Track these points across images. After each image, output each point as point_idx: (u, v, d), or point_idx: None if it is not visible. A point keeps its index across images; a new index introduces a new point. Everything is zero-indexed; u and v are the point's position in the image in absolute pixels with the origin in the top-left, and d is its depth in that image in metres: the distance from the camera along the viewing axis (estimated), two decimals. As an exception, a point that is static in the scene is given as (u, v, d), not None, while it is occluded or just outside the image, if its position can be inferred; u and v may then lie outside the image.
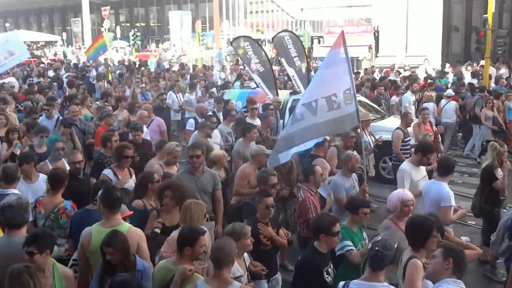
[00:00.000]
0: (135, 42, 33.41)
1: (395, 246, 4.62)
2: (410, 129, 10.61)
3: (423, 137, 10.06)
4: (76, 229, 5.62)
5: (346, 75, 7.09)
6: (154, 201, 6.50)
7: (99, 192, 5.54)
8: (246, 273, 5.11)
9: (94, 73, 25.29)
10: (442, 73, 21.49)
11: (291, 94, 13.85)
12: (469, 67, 24.45)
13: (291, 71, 15.54)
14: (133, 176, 7.50)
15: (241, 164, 8.40)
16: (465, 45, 33.68)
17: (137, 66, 28.34)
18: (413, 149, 8.59)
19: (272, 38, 17.56)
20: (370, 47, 31.13)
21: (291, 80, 15.70)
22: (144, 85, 17.98)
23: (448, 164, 6.89)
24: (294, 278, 5.16)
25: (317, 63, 28.08)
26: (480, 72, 20.56)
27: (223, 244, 4.44)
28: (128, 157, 7.52)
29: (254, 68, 14.55)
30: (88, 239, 5.19)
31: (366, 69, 24.46)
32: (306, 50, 18.28)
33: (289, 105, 12.69)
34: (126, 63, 28.92)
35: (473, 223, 8.89)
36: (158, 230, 5.76)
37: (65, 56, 43.53)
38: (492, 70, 20.80)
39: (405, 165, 7.51)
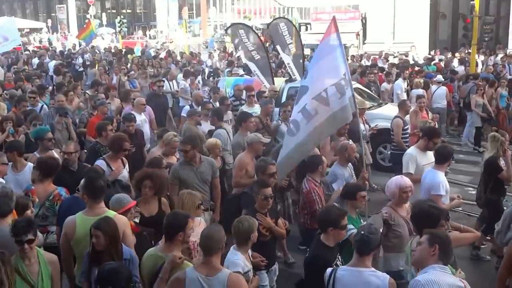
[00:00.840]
0: (121, 29, 33.15)
1: (380, 230, 4.66)
2: (407, 117, 10.56)
3: (423, 125, 9.88)
4: (65, 216, 5.54)
5: (340, 62, 6.98)
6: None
7: (82, 181, 5.51)
8: (251, 266, 5.08)
9: (80, 60, 25.06)
10: (429, 60, 21.56)
11: (286, 81, 13.76)
12: (462, 54, 24.50)
13: (286, 58, 15.45)
14: (126, 166, 7.43)
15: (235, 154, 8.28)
16: (452, 32, 33.77)
17: (123, 53, 28.09)
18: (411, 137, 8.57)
19: (268, 25, 17.43)
20: (357, 34, 31.15)
21: (280, 68, 15.54)
22: (132, 72, 17.84)
23: (445, 152, 6.79)
24: (305, 276, 5.05)
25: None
26: (467, 59, 20.68)
27: (212, 231, 4.42)
28: (126, 149, 7.43)
29: (249, 55, 14.39)
30: (73, 228, 5.15)
31: (353, 56, 24.45)
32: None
33: (285, 93, 12.59)
34: (112, 51, 28.64)
35: (460, 209, 8.98)
36: (136, 220, 5.67)
37: (50, 43, 43.07)
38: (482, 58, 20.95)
39: (412, 150, 7.53)
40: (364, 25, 31.79)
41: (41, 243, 5.36)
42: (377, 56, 23.29)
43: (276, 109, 11.13)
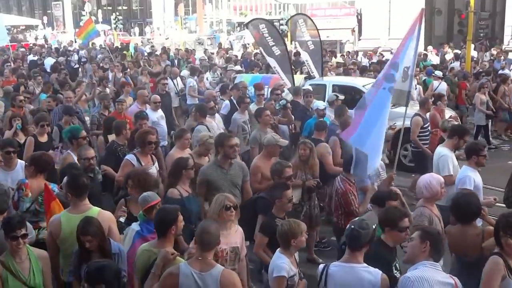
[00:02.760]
0: (116, 25, 33.10)
1: (373, 226, 4.66)
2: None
3: (442, 123, 9.69)
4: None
5: (412, 53, 6.74)
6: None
7: (64, 179, 5.50)
8: (298, 270, 5.02)
9: (76, 57, 25.01)
10: (425, 55, 21.60)
11: (306, 79, 13.68)
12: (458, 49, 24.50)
13: (304, 55, 15.10)
14: (156, 163, 7.34)
15: (256, 151, 8.16)
16: (448, 28, 33.80)
17: (119, 50, 28.05)
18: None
19: (287, 21, 17.00)
20: (353, 30, 31.19)
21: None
22: (128, 70, 17.77)
23: (470, 147, 6.72)
24: None
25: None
26: (463, 55, 20.71)
27: (209, 227, 4.40)
28: (152, 142, 7.26)
29: (270, 51, 14.04)
30: (58, 226, 5.15)
31: (348, 52, 24.47)
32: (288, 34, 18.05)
33: None
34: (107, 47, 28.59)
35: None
36: (122, 219, 5.63)
37: (46, 40, 42.98)
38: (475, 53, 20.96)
39: (445, 150, 7.27)
40: (359, 21, 31.81)
41: (32, 241, 5.37)
42: (372, 52, 23.29)
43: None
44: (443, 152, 7.22)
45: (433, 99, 11.07)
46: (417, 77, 15.16)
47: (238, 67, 18.58)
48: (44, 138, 8.54)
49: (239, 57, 23.48)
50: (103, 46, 27.92)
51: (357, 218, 4.81)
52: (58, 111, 10.43)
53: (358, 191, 6.82)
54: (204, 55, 25.21)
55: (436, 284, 4.01)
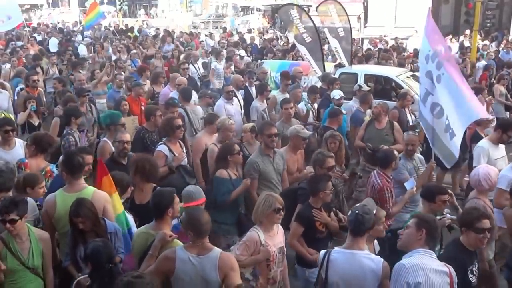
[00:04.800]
0: (121, 7, 32.94)
1: (374, 212, 4.67)
2: None
3: None
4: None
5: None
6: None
7: (60, 158, 5.53)
8: None
9: (80, 37, 24.93)
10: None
11: (336, 67, 13.43)
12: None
13: (334, 43, 14.92)
14: (185, 150, 7.22)
15: (279, 143, 7.93)
16: (455, 18, 33.50)
17: (123, 31, 27.93)
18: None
19: (316, 8, 16.49)
20: (358, 17, 30.93)
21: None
22: (134, 51, 17.67)
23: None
24: None
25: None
26: (469, 45, 20.57)
27: (201, 217, 4.35)
28: (180, 126, 7.11)
29: (300, 38, 13.86)
30: (53, 205, 5.21)
31: (354, 39, 24.29)
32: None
33: None
34: (112, 28, 28.46)
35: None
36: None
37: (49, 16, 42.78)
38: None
39: (483, 143, 7.28)
40: (365, 8, 31.53)
41: (36, 218, 5.42)
42: (377, 40, 23.14)
43: (304, 94, 10.67)
44: (480, 144, 7.29)
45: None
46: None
47: (242, 52, 18.49)
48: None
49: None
50: (107, 27, 27.80)
51: (358, 204, 4.79)
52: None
53: (395, 184, 6.72)
54: (210, 38, 25.08)
55: (430, 271, 4.02)
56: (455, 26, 32.92)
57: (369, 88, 10.97)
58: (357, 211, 4.45)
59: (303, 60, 14.29)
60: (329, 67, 13.62)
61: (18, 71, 12.53)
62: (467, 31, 24.16)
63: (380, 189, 6.37)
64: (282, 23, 36.30)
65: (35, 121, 8.94)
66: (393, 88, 12.51)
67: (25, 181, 5.57)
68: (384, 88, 12.71)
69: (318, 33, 14.09)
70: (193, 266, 4.22)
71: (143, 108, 9.35)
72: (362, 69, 13.46)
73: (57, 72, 13.96)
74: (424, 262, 4.05)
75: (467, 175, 8.50)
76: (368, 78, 12.69)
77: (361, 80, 12.35)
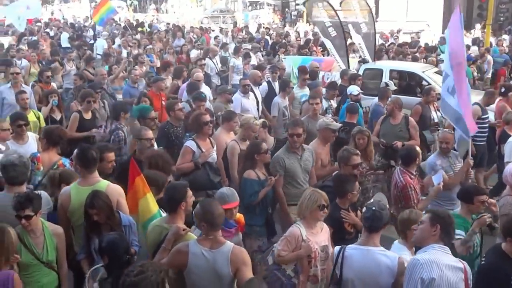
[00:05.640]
0: (132, 2, 32.96)
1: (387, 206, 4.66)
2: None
3: (506, 115, 9.13)
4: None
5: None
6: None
7: (74, 152, 5.55)
8: None
9: (91, 32, 24.98)
10: (443, 39, 21.28)
11: (360, 62, 13.33)
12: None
13: (357, 38, 14.81)
14: (215, 147, 7.13)
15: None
16: (467, 11, 33.23)
17: (134, 26, 27.98)
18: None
19: (340, 3, 16.27)
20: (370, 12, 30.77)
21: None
22: (150, 46, 17.68)
23: None
24: (476, 284, 4.56)
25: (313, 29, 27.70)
26: (481, 39, 20.39)
27: (214, 208, 4.36)
28: (207, 122, 6.99)
29: (326, 32, 13.76)
30: (67, 198, 5.24)
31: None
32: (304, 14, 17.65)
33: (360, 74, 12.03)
34: (124, 23, 28.51)
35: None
36: None
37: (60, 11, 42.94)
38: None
39: None
40: (376, 2, 31.37)
41: (50, 210, 5.45)
42: (388, 34, 23.01)
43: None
44: (511, 140, 7.24)
45: (503, 89, 10.34)
46: (432, 58, 14.96)
47: (251, 45, 18.41)
48: (88, 115, 8.49)
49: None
50: (118, 22, 27.87)
51: (371, 200, 4.75)
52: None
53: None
54: (221, 33, 25.05)
55: (445, 267, 3.99)
56: (467, 20, 32.59)
57: (395, 88, 10.78)
58: (373, 208, 4.41)
59: (317, 55, 14.17)
60: (353, 62, 13.49)
61: (53, 68, 12.53)
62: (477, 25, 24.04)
63: (403, 187, 6.27)
64: (292, 18, 36.21)
65: (57, 116, 8.99)
66: (418, 84, 12.39)
67: (61, 177, 5.64)
68: (409, 84, 12.59)
69: (343, 28, 13.92)
70: (205, 259, 4.23)
71: (163, 103, 9.36)
72: (387, 65, 13.31)
73: (74, 67, 13.97)
74: (438, 257, 4.01)
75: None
76: (394, 73, 12.56)
77: (386, 76, 12.25)
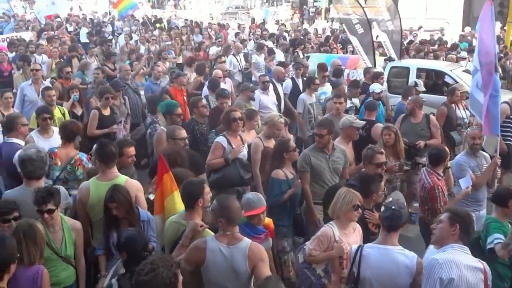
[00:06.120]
0: (151, -2, 32.97)
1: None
2: None
3: None
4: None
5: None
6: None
7: (94, 147, 5.59)
8: None
9: (110, 28, 25.11)
10: (461, 37, 21.12)
11: (386, 60, 13.21)
12: None
13: (382, 36, 14.70)
14: (245, 144, 7.14)
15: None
16: (487, 9, 32.83)
17: (152, 22, 28.05)
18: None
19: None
20: (388, 9, 30.53)
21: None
22: (169, 42, 17.65)
23: None
24: None
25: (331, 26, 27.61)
26: (502, 37, 20.13)
27: (231, 203, 4.38)
28: (236, 119, 6.98)
29: (353, 29, 13.65)
30: (86, 193, 5.28)
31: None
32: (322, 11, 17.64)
33: (386, 72, 12.01)
34: (144, 18, 28.58)
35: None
36: (151, 196, 5.63)
37: (80, 9, 43.15)
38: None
39: None
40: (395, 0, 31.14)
41: (69, 205, 5.51)
42: (407, 32, 22.81)
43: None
44: None
45: None
46: (451, 56, 14.81)
47: (270, 43, 18.37)
48: (107, 111, 8.55)
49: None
50: (136, 18, 27.94)
51: (390, 199, 4.69)
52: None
53: (456, 183, 6.51)
54: (239, 30, 25.00)
55: (464, 267, 3.96)
56: (487, 17, 32.27)
57: (424, 89, 10.58)
58: (393, 207, 4.37)
59: (337, 52, 14.04)
60: (379, 60, 13.38)
61: (82, 64, 12.65)
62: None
63: (431, 188, 6.16)
64: (310, 14, 36.03)
65: (78, 111, 9.06)
66: (445, 83, 12.23)
67: (91, 173, 5.69)
68: (435, 82, 12.45)
69: (370, 25, 13.76)
70: (223, 256, 4.24)
71: (185, 98, 9.34)
72: (414, 63, 13.14)
73: (95, 62, 14.05)
74: (457, 257, 3.98)
75: None
76: (420, 72, 12.39)
77: (413, 75, 12.12)
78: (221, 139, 6.97)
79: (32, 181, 5.26)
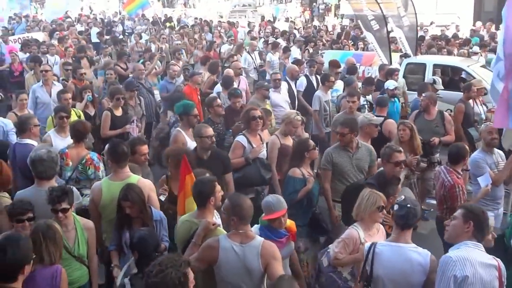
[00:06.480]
0: (160, -4, 33.05)
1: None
2: None
3: None
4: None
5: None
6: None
7: (106, 147, 5.62)
8: None
9: (120, 28, 25.20)
10: (472, 31, 20.98)
11: (401, 57, 13.14)
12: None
13: (398, 32, 14.56)
14: (265, 144, 7.11)
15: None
16: (499, 3, 32.50)
17: (162, 21, 28.11)
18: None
19: None
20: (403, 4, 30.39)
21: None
22: (179, 42, 17.68)
23: None
24: None
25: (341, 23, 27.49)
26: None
27: (243, 201, 4.38)
28: (255, 117, 6.96)
29: (368, 25, 13.61)
30: (99, 193, 5.32)
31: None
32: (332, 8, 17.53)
33: (402, 69, 11.92)
34: (155, 17, 28.66)
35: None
36: (162, 198, 5.66)
37: (91, 10, 43.35)
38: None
39: None
40: (405, -6, 30.94)
41: (80, 206, 5.55)
42: (418, 28, 22.67)
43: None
44: None
45: None
46: (463, 51, 14.68)
47: (280, 40, 18.35)
48: (119, 112, 8.55)
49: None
50: (146, 17, 28.05)
51: (402, 197, 4.62)
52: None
53: (473, 181, 6.46)
54: (249, 28, 25.00)
55: (478, 265, 3.92)
56: (498, 12, 31.97)
57: (442, 88, 10.51)
58: (408, 205, 4.33)
59: (349, 49, 13.92)
60: (395, 57, 13.29)
61: (106, 63, 12.69)
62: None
63: (451, 187, 6.07)
64: (320, 11, 35.87)
65: (91, 111, 9.10)
66: (462, 79, 12.11)
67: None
68: (452, 78, 12.32)
69: (386, 21, 13.63)
70: (235, 254, 4.24)
71: (199, 98, 9.37)
72: (430, 59, 12.98)
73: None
74: (471, 255, 3.94)
75: None
76: (437, 68, 12.29)
77: (429, 71, 12.02)
78: (241, 138, 6.97)
79: (43, 181, 5.30)
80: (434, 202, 8.66)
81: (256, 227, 4.90)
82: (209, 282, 4.39)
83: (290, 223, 5.08)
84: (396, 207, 4.42)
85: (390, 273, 4.30)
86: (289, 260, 5.11)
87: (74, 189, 5.43)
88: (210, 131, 6.46)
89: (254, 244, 4.26)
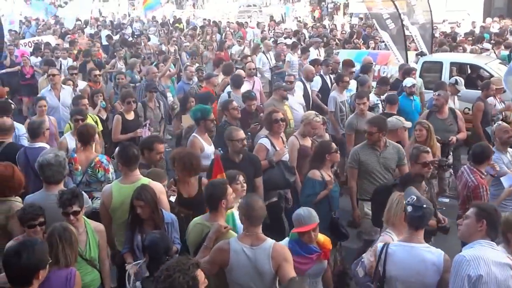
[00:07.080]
0: (170, -2, 33.13)
1: None
2: None
3: None
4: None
5: None
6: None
7: (116, 150, 5.64)
8: None
9: (129, 30, 25.29)
10: (482, 28, 20.84)
11: (417, 55, 13.06)
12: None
13: (413, 30, 14.48)
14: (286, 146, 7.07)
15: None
16: (509, -1, 32.33)
17: (171, 23, 28.19)
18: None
19: None
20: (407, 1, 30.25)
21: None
22: (187, 43, 17.70)
23: None
24: None
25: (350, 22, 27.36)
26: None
27: (255, 203, 4.36)
28: (277, 120, 6.91)
29: (383, 24, 13.49)
30: (109, 196, 5.33)
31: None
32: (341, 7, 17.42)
33: (419, 68, 11.85)
34: (159, 21, 28.75)
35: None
36: (172, 199, 5.63)
37: (100, 13, 43.58)
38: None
39: None
40: (415, -9, 30.78)
41: (89, 209, 5.56)
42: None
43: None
44: None
45: None
46: (475, 47, 14.55)
47: (288, 40, 18.31)
48: (131, 116, 8.54)
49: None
50: (155, 19, 28.11)
51: (413, 198, 4.54)
52: (141, 88, 10.39)
53: (493, 181, 6.35)
54: (258, 28, 24.98)
55: (492, 264, 3.88)
56: (509, 8, 31.76)
57: (463, 88, 10.13)
58: (424, 205, 4.27)
59: (360, 48, 13.83)
60: (411, 55, 13.19)
61: (132, 63, 12.74)
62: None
63: (475, 187, 5.98)
64: (329, 10, 35.80)
65: (103, 115, 9.13)
66: (480, 77, 11.98)
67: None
68: (469, 76, 12.16)
69: (401, 20, 13.48)
70: (246, 257, 4.23)
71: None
72: (447, 57, 12.81)
73: (124, 66, 14.12)
74: (485, 254, 3.91)
75: None
76: (454, 67, 12.15)
77: (446, 69, 11.86)
78: (264, 141, 6.92)
79: (51, 186, 5.30)
80: (447, 200, 8.66)
81: (286, 240, 4.83)
82: (221, 285, 4.38)
83: (325, 239, 4.94)
84: (409, 208, 4.32)
85: (404, 273, 4.26)
86: (322, 279, 5.02)
87: (84, 193, 5.44)
88: (241, 134, 6.39)
89: (265, 246, 4.25)
